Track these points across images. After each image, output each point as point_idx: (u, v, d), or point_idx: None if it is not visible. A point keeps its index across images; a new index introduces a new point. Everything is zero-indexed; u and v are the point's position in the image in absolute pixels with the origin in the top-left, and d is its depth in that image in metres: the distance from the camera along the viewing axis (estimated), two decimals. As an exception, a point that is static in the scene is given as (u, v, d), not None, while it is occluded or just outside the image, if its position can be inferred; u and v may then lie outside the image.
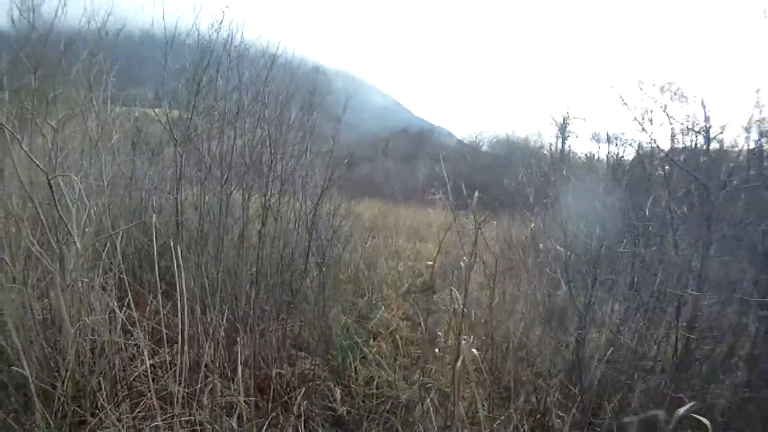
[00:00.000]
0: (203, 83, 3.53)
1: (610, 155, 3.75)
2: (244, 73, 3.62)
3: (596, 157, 4.42)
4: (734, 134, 3.16)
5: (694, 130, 3.04)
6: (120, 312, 2.76)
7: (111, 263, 3.02)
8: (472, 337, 2.94)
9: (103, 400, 2.45)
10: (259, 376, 3.14)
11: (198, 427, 2.57)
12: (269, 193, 3.37)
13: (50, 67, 3.02)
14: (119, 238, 3.13)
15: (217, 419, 2.65)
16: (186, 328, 2.59)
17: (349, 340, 3.94)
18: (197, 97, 3.48)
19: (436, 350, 3.26)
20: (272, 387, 3.01)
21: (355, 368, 3.65)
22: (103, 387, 2.53)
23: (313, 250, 3.46)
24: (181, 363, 2.60)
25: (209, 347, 2.86)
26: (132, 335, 2.82)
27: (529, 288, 3.86)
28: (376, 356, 3.87)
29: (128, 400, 2.58)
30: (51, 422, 2.47)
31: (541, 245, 4.41)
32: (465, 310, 2.73)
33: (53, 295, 2.72)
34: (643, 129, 3.19)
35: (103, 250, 3.01)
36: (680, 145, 3.28)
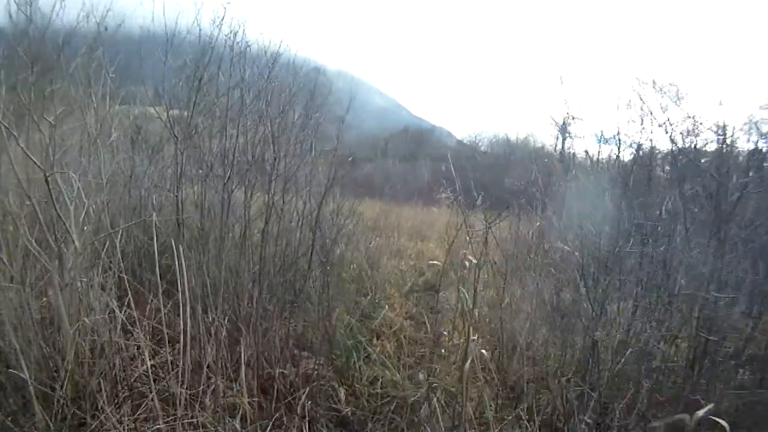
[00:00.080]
0: (204, 80, 3.47)
1: (610, 155, 3.71)
2: (246, 71, 3.58)
3: (596, 158, 4.38)
4: (733, 136, 3.14)
5: (694, 132, 3.03)
6: (120, 311, 2.72)
7: (110, 262, 2.97)
8: (478, 336, 2.89)
9: (104, 402, 2.40)
10: (262, 377, 3.09)
11: (201, 429, 2.53)
12: (272, 191, 3.32)
13: (48, 63, 2.96)
14: (119, 236, 3.07)
15: (220, 421, 2.61)
16: (188, 327, 2.55)
17: (353, 340, 3.90)
18: (198, 94, 3.43)
19: (442, 350, 3.20)
20: (276, 387, 2.98)
21: (359, 368, 3.61)
22: (103, 388, 2.48)
23: (316, 249, 3.41)
24: (183, 363, 2.55)
25: (211, 347, 2.80)
26: (132, 335, 2.77)
27: (536, 288, 3.81)
28: (380, 356, 3.83)
29: (129, 401, 2.53)
30: (50, 424, 2.41)
31: (546, 245, 4.38)
32: (474, 310, 2.69)
33: (52, 295, 2.67)
34: (643, 129, 3.17)
35: (103, 249, 2.96)
36: (680, 146, 3.23)
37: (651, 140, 3.34)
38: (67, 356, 2.53)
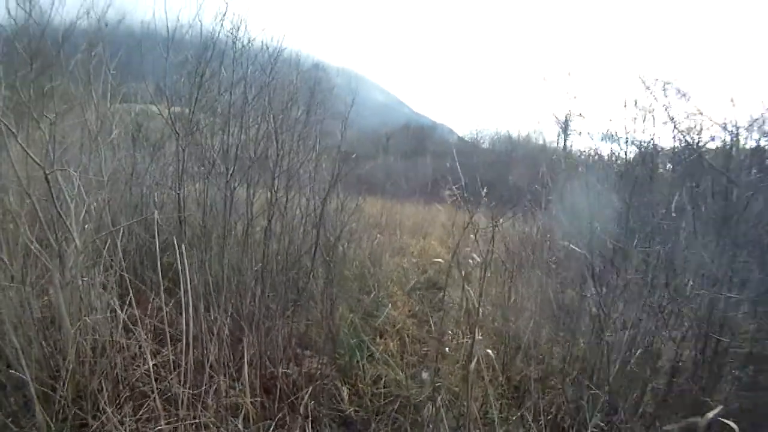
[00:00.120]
0: (206, 76, 3.44)
1: (612, 153, 3.67)
2: (248, 66, 3.54)
3: (599, 155, 4.35)
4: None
5: (697, 129, 3.00)
6: (121, 310, 2.69)
7: (112, 260, 2.94)
8: (481, 335, 2.86)
9: (105, 402, 2.37)
10: (265, 376, 3.07)
11: (203, 430, 2.51)
12: (275, 188, 3.29)
13: (48, 59, 2.93)
14: (120, 234, 3.05)
15: (222, 421, 2.58)
16: (190, 326, 2.53)
17: (356, 339, 3.87)
18: (200, 91, 3.39)
19: (447, 349, 3.17)
20: (278, 387, 2.96)
21: (363, 367, 3.58)
22: (104, 388, 2.45)
23: (320, 246, 3.37)
24: (186, 363, 2.53)
25: (214, 346, 2.78)
26: (134, 334, 2.75)
27: (540, 286, 3.78)
28: (384, 355, 3.81)
29: (131, 401, 2.51)
30: (51, 425, 2.39)
31: (549, 242, 4.34)
32: (480, 309, 2.66)
33: (52, 294, 2.65)
34: (645, 126, 3.14)
35: (104, 247, 2.93)
36: (688, 142, 3.20)
37: (652, 137, 3.30)
38: (68, 356, 2.51)
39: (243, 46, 3.58)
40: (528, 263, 4.02)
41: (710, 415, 1.77)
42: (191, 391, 2.53)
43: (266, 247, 3.24)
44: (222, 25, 3.56)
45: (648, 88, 3.19)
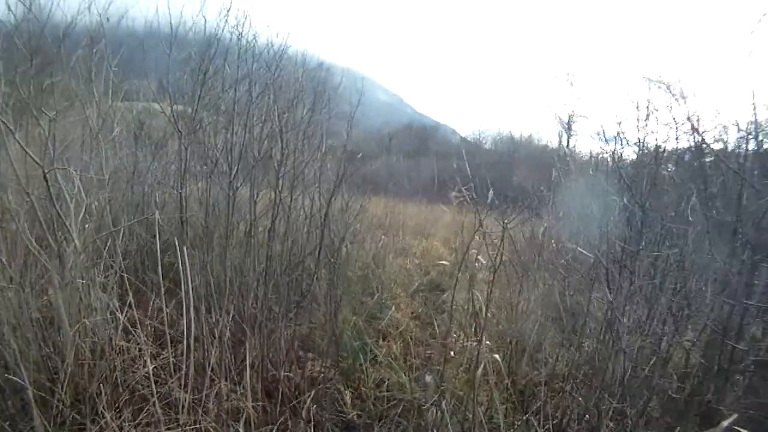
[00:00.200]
0: (210, 73, 3.39)
1: (616, 154, 3.63)
2: (253, 63, 3.49)
3: (603, 156, 4.32)
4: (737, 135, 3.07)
5: (697, 131, 2.95)
6: (122, 312, 2.65)
7: (112, 261, 2.89)
8: (487, 339, 2.82)
9: (104, 407, 2.32)
10: (267, 379, 3.03)
11: (204, 435, 2.46)
12: (280, 188, 3.23)
13: (48, 56, 2.88)
14: (120, 234, 3.00)
15: (223, 425, 2.54)
16: (191, 328, 2.48)
17: (359, 341, 3.83)
18: (203, 88, 3.34)
19: (452, 353, 3.13)
20: (280, 391, 2.91)
21: (366, 370, 3.54)
22: (103, 392, 2.40)
23: (324, 248, 3.32)
24: (186, 366, 2.48)
25: (215, 349, 2.73)
26: (134, 336, 2.70)
27: (547, 289, 3.73)
28: (387, 358, 3.77)
29: (130, 406, 2.46)
30: (49, 429, 2.34)
31: (554, 244, 4.29)
32: (487, 313, 2.61)
33: (52, 294, 2.60)
34: (647, 126, 3.09)
35: (104, 248, 2.89)
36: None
37: (661, 139, 3.25)
38: (66, 358, 2.46)
39: (247, 42, 3.53)
40: (534, 265, 3.96)
41: (725, 423, 1.72)
42: (192, 395, 2.48)
43: (269, 249, 3.19)
44: (226, 20, 3.51)
45: (652, 88, 3.16)
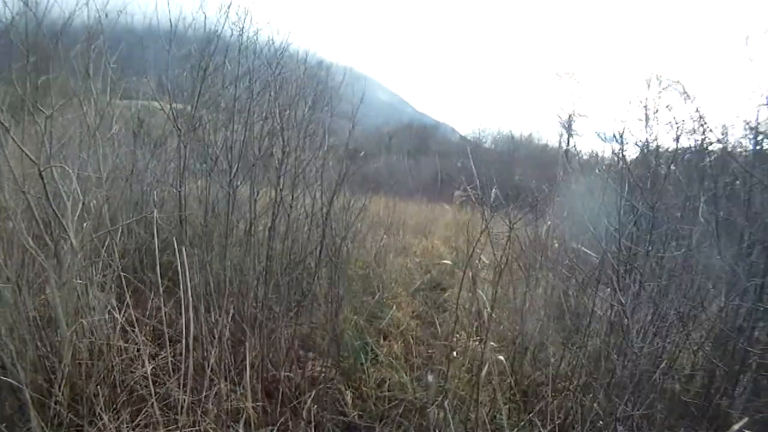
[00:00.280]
0: (210, 70, 3.35)
1: (618, 153, 3.61)
2: (254, 59, 3.45)
3: (604, 155, 4.30)
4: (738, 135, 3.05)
5: (710, 129, 2.93)
6: (120, 311, 2.62)
7: (110, 260, 2.86)
8: (488, 338, 2.79)
9: (101, 408, 2.29)
10: (267, 379, 3.00)
11: (203, 435, 2.43)
12: (281, 186, 3.20)
13: (45, 52, 2.85)
14: (118, 233, 2.97)
15: (223, 426, 2.51)
16: (190, 328, 2.44)
17: (360, 341, 3.80)
18: (203, 85, 3.30)
19: (454, 353, 3.10)
20: (281, 391, 2.88)
21: (367, 370, 3.51)
22: (100, 393, 2.37)
23: (326, 247, 3.29)
24: (185, 366, 2.45)
25: (214, 349, 2.70)
26: (133, 336, 2.67)
27: (550, 289, 3.70)
28: (388, 357, 3.74)
29: (128, 406, 2.43)
30: (47, 430, 2.31)
31: (556, 244, 4.26)
32: (492, 313, 2.58)
33: (49, 294, 2.56)
34: (649, 126, 3.07)
35: (103, 247, 2.85)
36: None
37: (657, 139, 3.23)
38: (64, 358, 2.42)
39: (248, 38, 3.49)
40: (537, 265, 3.93)
41: (736, 428, 1.69)
42: (191, 396, 2.45)
43: (269, 248, 3.16)
44: (227, 16, 3.47)
45: (657, 87, 3.13)
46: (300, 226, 3.68)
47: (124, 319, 2.64)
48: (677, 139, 3.13)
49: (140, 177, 3.96)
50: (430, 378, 3.23)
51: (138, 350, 2.65)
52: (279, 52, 3.64)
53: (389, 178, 14.48)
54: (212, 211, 3.42)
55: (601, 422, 2.62)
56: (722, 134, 3.04)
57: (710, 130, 2.90)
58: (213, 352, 2.67)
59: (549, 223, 4.37)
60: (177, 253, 2.49)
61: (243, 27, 3.45)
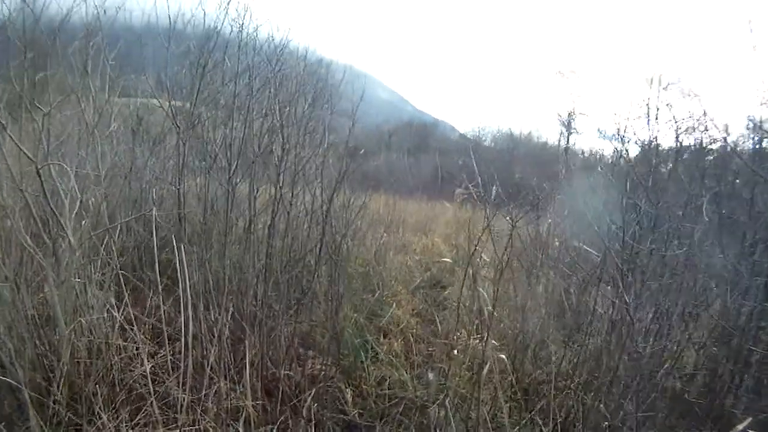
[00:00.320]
0: (209, 67, 3.33)
1: (617, 152, 3.59)
2: (253, 56, 3.43)
3: (600, 154, 4.30)
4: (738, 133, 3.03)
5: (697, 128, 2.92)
6: (119, 310, 2.60)
7: (109, 258, 2.84)
8: (492, 337, 2.77)
9: (100, 407, 2.28)
10: (267, 378, 2.98)
11: (203, 434, 2.41)
12: (280, 184, 3.18)
13: (43, 49, 2.82)
14: (117, 231, 2.95)
15: (222, 425, 2.49)
16: (189, 326, 2.43)
17: (360, 339, 3.78)
18: (202, 82, 3.28)
19: (455, 351, 3.08)
20: (281, 389, 2.86)
21: (367, 368, 3.49)
22: (99, 392, 2.36)
23: (326, 244, 3.27)
24: (185, 365, 2.43)
25: (214, 347, 2.68)
26: (132, 334, 2.66)
27: (551, 287, 3.68)
28: (388, 355, 3.73)
29: (127, 405, 2.41)
30: (45, 429, 2.29)
31: (557, 242, 4.25)
32: (494, 312, 2.56)
33: (47, 292, 2.55)
34: (650, 125, 3.06)
35: (102, 245, 2.83)
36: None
37: (657, 137, 3.22)
38: (62, 357, 2.41)
39: (248, 35, 3.47)
40: (538, 263, 3.92)
41: (740, 427, 1.67)
42: (190, 395, 2.44)
43: (269, 245, 3.14)
44: (227, 12, 3.45)
45: (654, 86, 3.12)
46: (300, 224, 3.66)
47: (122, 317, 2.62)
48: (677, 138, 3.11)
49: (139, 175, 3.93)
50: (430, 376, 3.22)
51: (137, 349, 2.63)
52: (279, 48, 3.62)
53: (389, 176, 14.46)
54: (211, 209, 3.40)
55: (602, 421, 2.61)
56: (725, 132, 3.02)
57: (715, 126, 2.88)
58: (212, 351, 2.66)
59: (550, 221, 4.35)
60: (176, 251, 2.48)
61: (242, 24, 3.43)
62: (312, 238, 3.50)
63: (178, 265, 2.46)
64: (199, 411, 2.43)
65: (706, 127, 3.02)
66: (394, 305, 4.69)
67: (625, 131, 3.13)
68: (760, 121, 2.73)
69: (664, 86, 3.22)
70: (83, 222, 2.71)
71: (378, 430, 2.94)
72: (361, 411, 3.14)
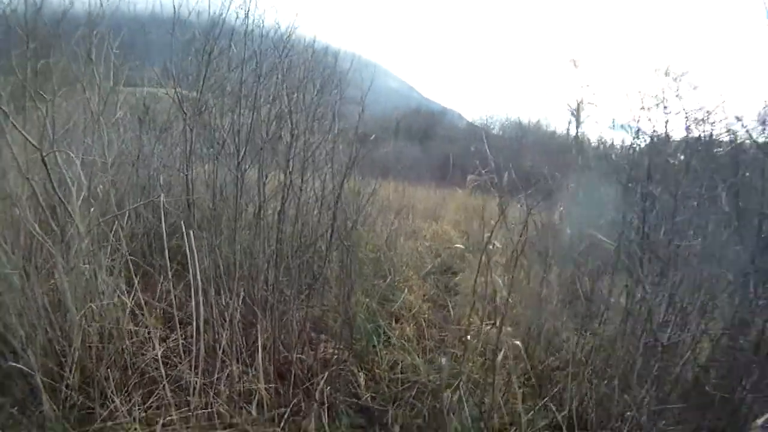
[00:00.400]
0: (215, 54, 3.29)
1: (627, 143, 3.52)
2: (260, 42, 3.37)
3: (610, 144, 4.23)
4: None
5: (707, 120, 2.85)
6: (129, 295, 2.60)
7: (118, 244, 2.84)
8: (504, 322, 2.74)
9: (112, 391, 2.28)
10: (279, 361, 2.98)
11: (216, 418, 2.42)
12: (290, 169, 3.15)
13: (45, 38, 2.80)
14: (125, 218, 2.94)
15: (235, 407, 2.50)
16: (200, 310, 2.43)
17: (372, 323, 3.78)
18: (208, 68, 3.24)
19: (468, 336, 3.05)
20: (293, 372, 2.87)
21: (379, 352, 3.49)
22: (111, 376, 2.37)
23: (336, 230, 3.24)
24: (197, 348, 2.44)
25: (225, 331, 2.68)
26: (142, 319, 2.66)
27: (566, 275, 3.64)
28: (400, 340, 3.72)
29: (139, 389, 2.42)
30: (58, 413, 2.31)
31: (569, 230, 4.19)
32: (508, 299, 2.53)
33: (57, 279, 2.55)
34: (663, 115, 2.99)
35: (111, 231, 2.83)
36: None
37: (667, 128, 3.15)
38: (74, 342, 2.42)
39: (254, 20, 3.41)
40: (550, 251, 3.87)
41: (759, 422, 1.64)
42: (203, 378, 2.44)
43: (279, 231, 3.12)
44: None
45: (664, 76, 3.05)
46: (310, 210, 3.64)
47: (133, 302, 2.63)
48: (687, 129, 3.05)
49: (146, 162, 3.93)
50: (443, 361, 3.19)
51: (148, 333, 2.64)
52: (285, 35, 3.57)
53: (397, 163, 14.42)
54: (220, 195, 3.38)
55: (616, 409, 2.58)
56: (740, 123, 2.95)
57: (733, 118, 2.82)
58: (224, 335, 2.67)
59: (562, 208, 4.29)
60: (185, 236, 2.47)
61: (248, 10, 3.37)
62: (322, 224, 3.47)
63: (187, 250, 2.45)
64: (211, 394, 2.44)
65: (716, 120, 2.96)
66: (406, 290, 4.67)
67: (638, 121, 3.07)
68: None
69: (675, 77, 3.14)
70: (91, 209, 2.70)
71: (391, 414, 2.93)
72: (373, 394, 3.13)
